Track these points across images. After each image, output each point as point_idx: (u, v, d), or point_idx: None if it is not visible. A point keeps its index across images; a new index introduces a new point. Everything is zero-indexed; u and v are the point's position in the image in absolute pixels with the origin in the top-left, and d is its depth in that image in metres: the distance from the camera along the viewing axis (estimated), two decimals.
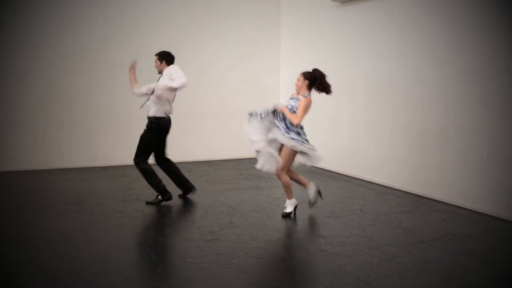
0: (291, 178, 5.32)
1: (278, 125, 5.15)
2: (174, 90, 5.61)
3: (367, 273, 3.80)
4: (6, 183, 6.93)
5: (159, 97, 5.61)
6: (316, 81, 5.22)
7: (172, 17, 8.46)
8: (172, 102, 5.81)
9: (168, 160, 5.95)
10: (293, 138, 5.09)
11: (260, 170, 5.17)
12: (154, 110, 5.68)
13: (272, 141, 5.14)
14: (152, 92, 5.67)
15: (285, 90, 8.96)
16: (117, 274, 3.84)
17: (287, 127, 5.14)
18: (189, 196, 6.07)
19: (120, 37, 8.09)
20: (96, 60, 7.98)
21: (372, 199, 6.14)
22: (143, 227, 5.01)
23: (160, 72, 5.81)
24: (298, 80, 5.25)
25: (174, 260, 4.21)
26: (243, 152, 8.67)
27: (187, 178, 6.07)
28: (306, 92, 5.22)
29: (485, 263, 4.10)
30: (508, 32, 5.15)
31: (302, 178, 5.44)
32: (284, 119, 5.16)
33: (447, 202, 5.88)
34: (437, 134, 6.04)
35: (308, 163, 5.32)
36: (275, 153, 5.11)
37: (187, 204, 5.81)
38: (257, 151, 5.16)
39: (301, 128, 5.24)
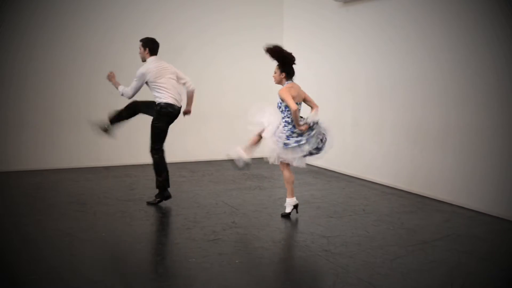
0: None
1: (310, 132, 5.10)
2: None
3: (369, 273, 3.79)
4: (10, 183, 6.95)
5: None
6: (285, 65, 5.31)
7: (173, 17, 8.47)
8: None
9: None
10: (281, 140, 5.01)
11: (270, 163, 5.22)
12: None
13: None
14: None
15: None
16: (120, 274, 3.85)
17: (292, 131, 5.09)
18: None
19: (121, 36, 8.09)
20: (98, 60, 7.98)
21: (374, 199, 6.13)
22: (145, 227, 5.01)
23: (144, 60, 5.60)
24: (275, 73, 5.36)
25: (177, 260, 4.20)
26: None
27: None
28: (284, 82, 5.31)
29: (488, 264, 4.09)
30: (509, 32, 5.14)
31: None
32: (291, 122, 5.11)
33: (450, 202, 5.86)
34: (440, 134, 6.03)
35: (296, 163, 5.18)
36: (279, 149, 5.06)
37: (189, 204, 5.81)
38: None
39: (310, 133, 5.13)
